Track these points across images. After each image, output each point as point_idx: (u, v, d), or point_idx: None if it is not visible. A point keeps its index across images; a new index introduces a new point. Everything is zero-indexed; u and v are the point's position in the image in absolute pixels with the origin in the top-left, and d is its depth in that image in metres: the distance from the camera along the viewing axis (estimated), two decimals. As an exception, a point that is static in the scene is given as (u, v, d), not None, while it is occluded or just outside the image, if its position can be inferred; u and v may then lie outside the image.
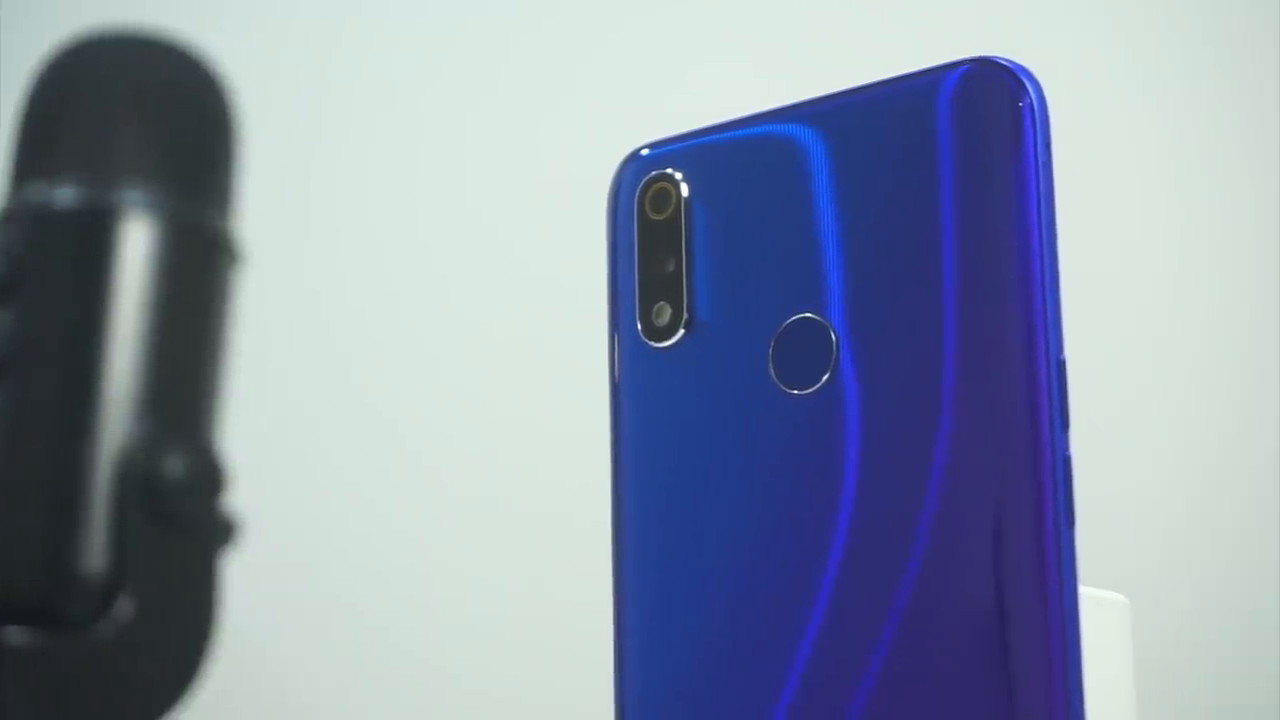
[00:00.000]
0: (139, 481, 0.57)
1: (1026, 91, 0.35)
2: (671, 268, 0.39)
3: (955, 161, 0.36)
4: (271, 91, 1.05)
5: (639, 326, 0.39)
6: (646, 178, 0.40)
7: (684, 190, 0.39)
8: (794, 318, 0.37)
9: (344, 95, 1.08)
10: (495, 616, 0.99)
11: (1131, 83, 0.98)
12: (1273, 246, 0.94)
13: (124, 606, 0.57)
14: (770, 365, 0.37)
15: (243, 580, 0.98)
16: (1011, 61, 0.36)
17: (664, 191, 0.39)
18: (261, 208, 0.98)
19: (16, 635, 0.56)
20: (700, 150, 0.39)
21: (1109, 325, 0.95)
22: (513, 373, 1.01)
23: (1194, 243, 0.97)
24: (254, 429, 1.02)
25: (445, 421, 1.02)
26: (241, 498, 0.97)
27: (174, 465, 0.58)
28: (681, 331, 0.39)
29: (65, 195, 0.59)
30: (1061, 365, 0.34)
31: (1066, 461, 0.34)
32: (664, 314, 0.39)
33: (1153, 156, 0.98)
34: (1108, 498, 0.93)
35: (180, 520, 0.58)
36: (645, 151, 0.40)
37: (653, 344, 0.39)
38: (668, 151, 0.40)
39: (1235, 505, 0.93)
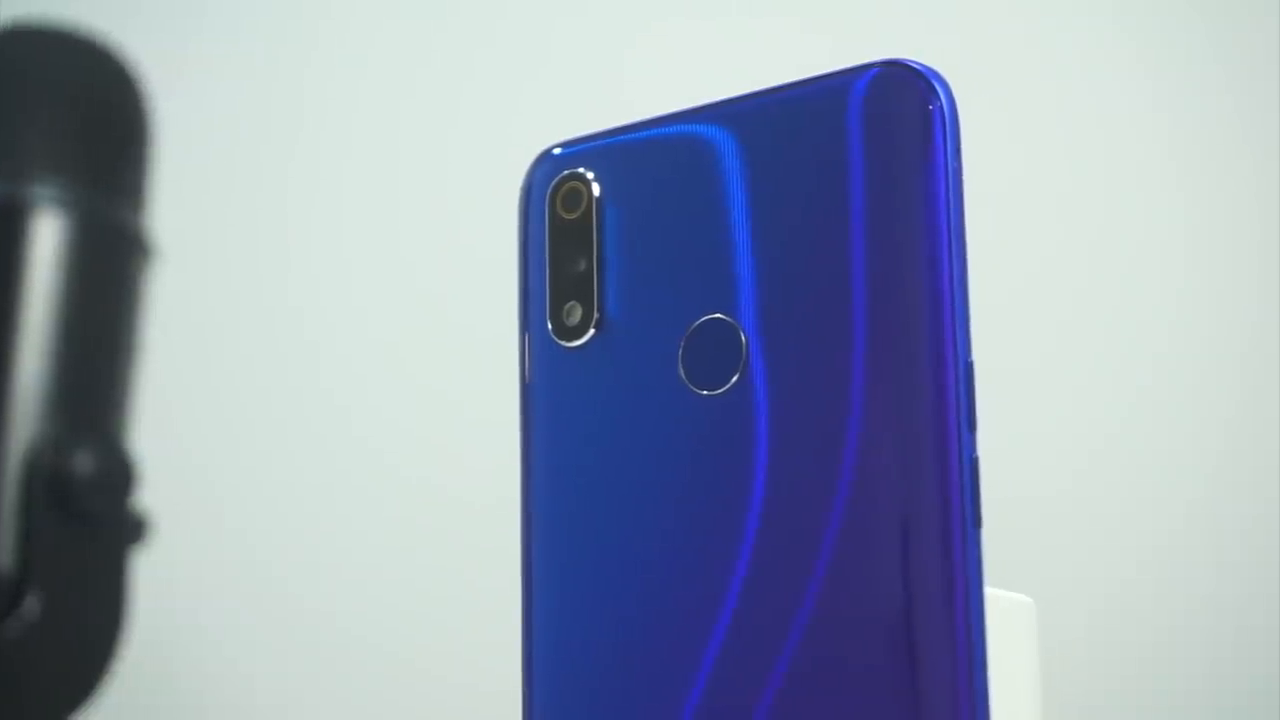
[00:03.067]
0: (47, 479, 0.56)
1: (937, 95, 0.36)
2: (582, 267, 0.39)
3: (865, 164, 0.36)
4: (208, 90, 1.05)
5: (549, 326, 0.39)
6: (558, 177, 0.40)
7: (595, 190, 0.39)
8: (704, 318, 0.37)
9: (267, 88, 1.08)
10: (426, 604, 0.99)
11: (1133, 82, 0.98)
12: (1273, 247, 0.95)
13: (31, 605, 0.56)
14: (680, 365, 0.37)
15: (195, 574, 0.98)
16: (922, 65, 0.36)
17: (575, 191, 0.39)
18: (188, 206, 0.98)
19: (-79, 633, 0.55)
20: (612, 150, 0.39)
21: (1109, 325, 0.95)
22: (434, 368, 1.01)
23: (1194, 242, 0.97)
24: (200, 425, 1.02)
25: (371, 415, 1.02)
26: (183, 493, 0.97)
27: (83, 463, 0.57)
28: (592, 331, 0.39)
29: (-26, 189, 0.58)
30: (969, 367, 0.35)
31: (974, 463, 0.34)
32: (575, 314, 0.39)
33: (1154, 157, 0.98)
34: (1108, 498, 0.94)
35: (89, 518, 0.58)
36: (557, 151, 0.40)
37: (563, 343, 0.39)
38: (579, 151, 0.40)
39: (1237, 506, 0.94)
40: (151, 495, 0.95)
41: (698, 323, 0.37)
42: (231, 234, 1.05)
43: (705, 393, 0.37)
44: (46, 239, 0.59)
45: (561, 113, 0.98)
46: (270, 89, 1.06)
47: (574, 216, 0.39)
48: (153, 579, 0.97)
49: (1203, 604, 0.93)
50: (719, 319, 0.37)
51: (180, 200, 1.02)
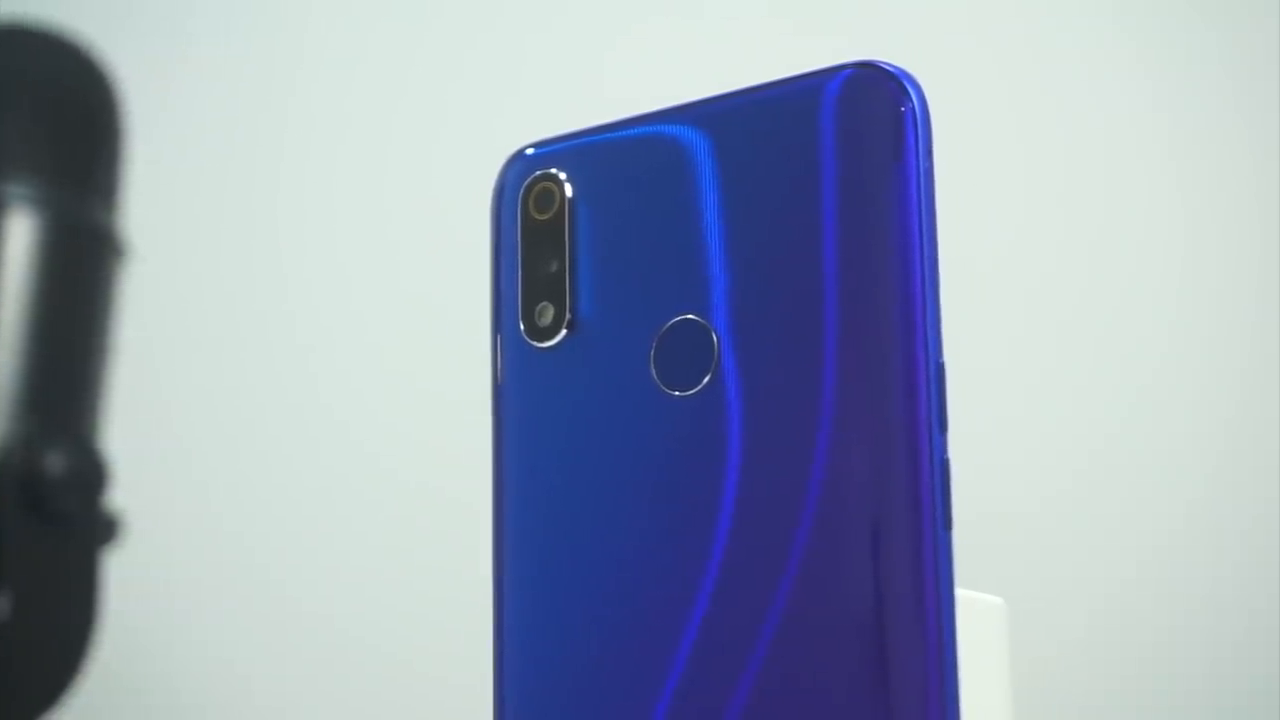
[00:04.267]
0: (18, 479, 0.56)
1: (909, 96, 0.36)
2: (555, 268, 0.39)
3: (838, 166, 0.36)
4: (194, 93, 1.05)
5: (521, 327, 0.39)
6: (530, 177, 0.40)
7: (568, 190, 0.39)
8: (676, 319, 0.37)
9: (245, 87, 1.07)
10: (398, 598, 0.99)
11: (1132, 82, 0.98)
12: (1273, 246, 0.95)
13: (1, 605, 0.56)
14: (652, 366, 0.37)
15: (191, 576, 0.98)
16: (895, 66, 0.36)
17: (548, 191, 0.39)
18: (179, 208, 0.98)
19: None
20: (585, 150, 0.39)
21: (1108, 326, 0.95)
22: (432, 368, 1.01)
23: (1194, 242, 0.97)
24: (194, 427, 1.02)
25: (367, 416, 1.02)
26: (179, 494, 0.96)
27: (54, 463, 0.57)
28: (564, 332, 0.39)
29: (-55, 188, 0.58)
30: (941, 369, 0.35)
31: (944, 464, 0.34)
32: (547, 314, 0.39)
33: (1154, 156, 0.98)
34: (1108, 498, 0.94)
35: (60, 518, 0.57)
36: (529, 151, 0.40)
37: (535, 344, 0.39)
38: (552, 151, 0.40)
39: (1237, 506, 0.94)
40: (148, 496, 0.95)
41: (670, 323, 0.37)
42: (223, 235, 1.05)
43: (677, 393, 0.37)
44: (19, 238, 0.58)
45: (545, 113, 0.98)
46: (257, 91, 1.06)
47: (546, 217, 0.39)
48: (150, 579, 0.97)
49: (1203, 604, 0.93)
50: (691, 320, 0.37)
51: (173, 201, 1.02)
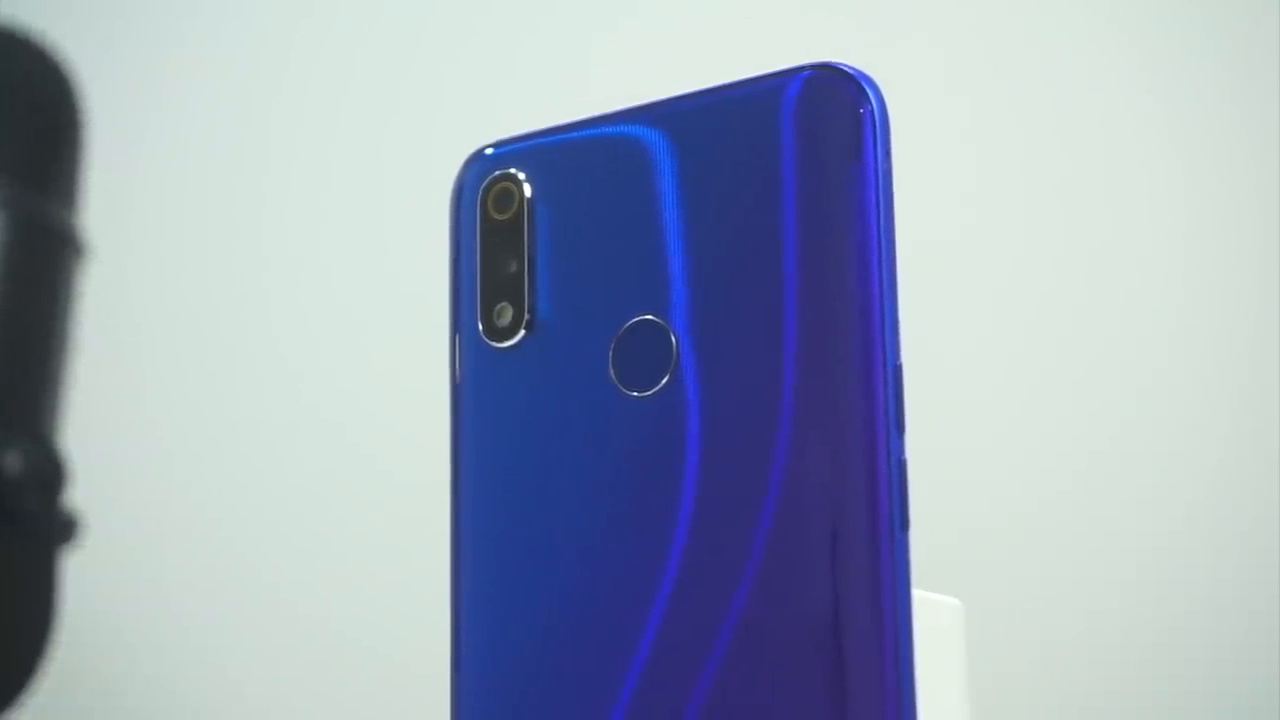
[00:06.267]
0: (-25, 478, 0.56)
1: (867, 98, 0.36)
2: (514, 268, 0.39)
3: (797, 167, 0.36)
4: (171, 91, 1.05)
5: (480, 327, 0.39)
6: (489, 177, 0.40)
7: (527, 190, 0.39)
8: (635, 320, 0.37)
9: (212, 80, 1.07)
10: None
11: (1132, 82, 0.99)
12: (1273, 246, 0.95)
13: (-41, 605, 0.56)
14: (610, 367, 0.37)
15: (187, 578, 0.97)
16: (853, 68, 0.36)
17: (507, 191, 0.39)
18: (171, 208, 0.97)
19: None
20: (544, 150, 0.39)
21: (1108, 326, 0.96)
22: (428, 368, 1.00)
23: (1194, 242, 0.97)
24: (186, 429, 1.01)
25: (363, 416, 1.02)
26: (175, 495, 0.96)
27: (12, 462, 0.57)
28: (523, 332, 0.39)
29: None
30: (898, 370, 0.35)
31: (901, 465, 0.34)
32: (505, 314, 0.39)
33: (1154, 156, 0.98)
34: (1108, 498, 0.94)
35: (17, 517, 0.57)
36: (489, 151, 0.40)
37: (494, 344, 0.39)
38: (511, 151, 0.40)
39: (1237, 506, 0.94)
40: (146, 496, 0.95)
41: (629, 324, 0.37)
42: (211, 235, 1.04)
43: (635, 394, 0.37)
44: (-23, 236, 0.58)
45: (533, 112, 0.98)
46: (242, 93, 1.06)
47: (505, 217, 0.39)
48: (148, 580, 0.97)
49: (1203, 604, 0.93)
50: (650, 320, 0.37)
51: (163, 202, 1.02)
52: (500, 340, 0.39)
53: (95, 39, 1.01)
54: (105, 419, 0.99)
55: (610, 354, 0.37)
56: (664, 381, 0.37)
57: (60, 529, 0.59)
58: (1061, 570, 0.93)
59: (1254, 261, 0.95)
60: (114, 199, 0.99)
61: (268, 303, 1.04)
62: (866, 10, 1.00)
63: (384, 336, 1.03)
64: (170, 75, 1.06)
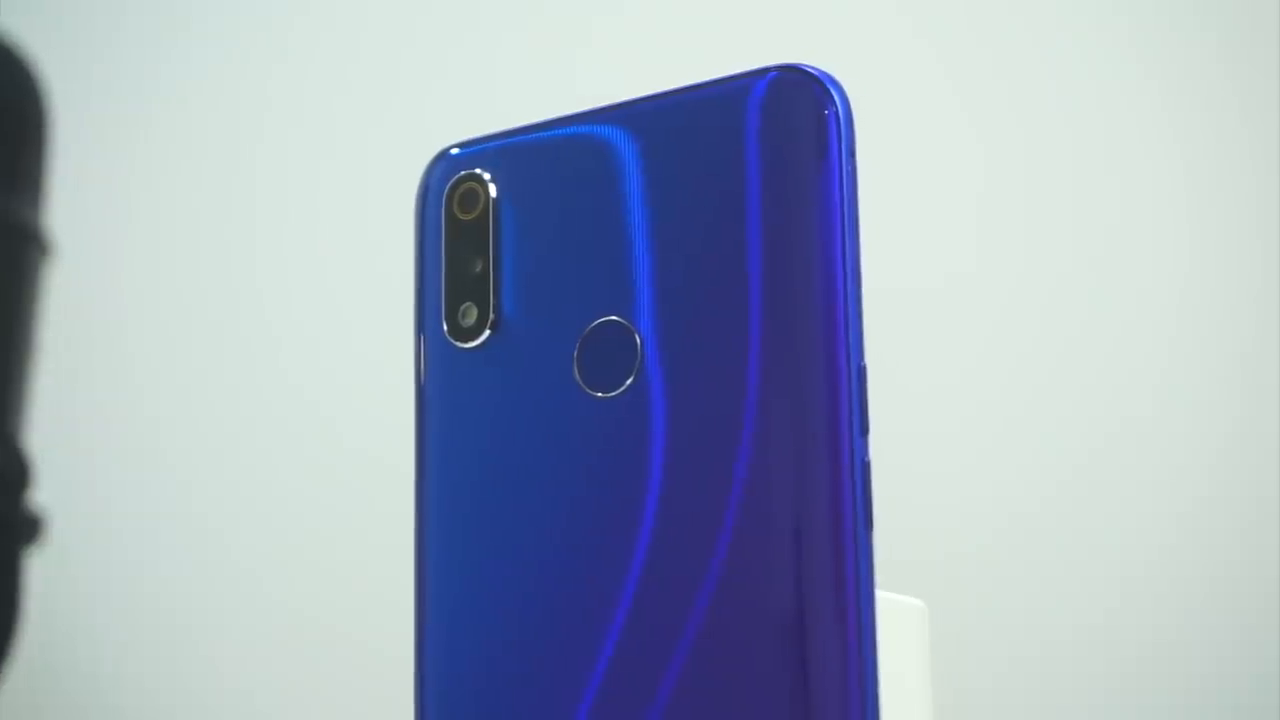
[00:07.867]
0: (-61, 477, 0.56)
1: (832, 99, 0.36)
2: (478, 268, 0.39)
3: (761, 168, 0.36)
4: (164, 93, 1.04)
5: (445, 327, 0.39)
6: (455, 177, 0.40)
7: (492, 190, 0.39)
8: (599, 320, 0.37)
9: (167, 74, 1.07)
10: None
11: (1136, 83, 0.99)
12: (1274, 246, 0.95)
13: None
14: (575, 367, 0.37)
15: (183, 578, 0.97)
16: (818, 69, 0.36)
17: (472, 191, 0.39)
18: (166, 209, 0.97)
19: None
20: (510, 150, 0.39)
21: (1108, 326, 0.96)
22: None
23: (1194, 242, 0.97)
24: (178, 426, 1.01)
25: (358, 415, 1.01)
26: (170, 495, 0.96)
27: (-24, 461, 0.57)
28: (487, 332, 0.39)
29: None
30: (862, 371, 0.35)
31: (865, 466, 0.35)
32: (470, 315, 0.39)
33: (1154, 155, 0.98)
34: (1108, 498, 0.94)
35: (-18, 517, 0.57)
36: (454, 151, 0.40)
37: (458, 345, 0.39)
38: (477, 151, 0.40)
39: (1237, 506, 0.94)
40: (142, 497, 0.94)
41: (593, 325, 0.37)
42: (203, 233, 1.04)
43: (600, 395, 0.37)
44: (-58, 234, 0.58)
45: (523, 111, 0.98)
46: (233, 93, 1.06)
47: (470, 217, 0.39)
48: (145, 581, 0.97)
49: (1203, 604, 0.93)
50: (614, 321, 0.37)
51: (156, 202, 1.02)
52: (465, 340, 0.39)
53: (87, 37, 1.01)
54: (96, 417, 0.99)
55: (575, 355, 0.37)
56: (628, 382, 0.37)
57: (25, 528, 0.59)
58: (1060, 570, 0.93)
59: (1254, 261, 0.96)
60: (103, 198, 0.99)
61: (259, 299, 1.03)
62: (867, 10, 1.00)
63: (382, 336, 1.02)
64: (164, 76, 1.06)
